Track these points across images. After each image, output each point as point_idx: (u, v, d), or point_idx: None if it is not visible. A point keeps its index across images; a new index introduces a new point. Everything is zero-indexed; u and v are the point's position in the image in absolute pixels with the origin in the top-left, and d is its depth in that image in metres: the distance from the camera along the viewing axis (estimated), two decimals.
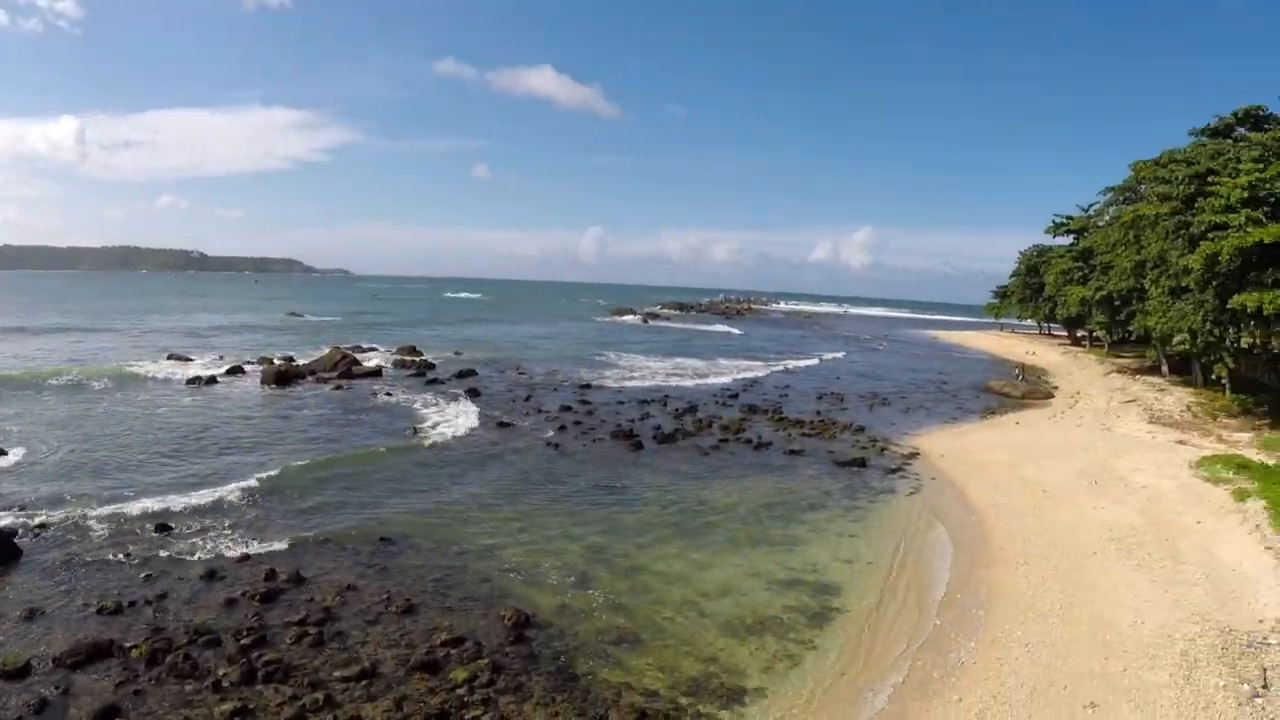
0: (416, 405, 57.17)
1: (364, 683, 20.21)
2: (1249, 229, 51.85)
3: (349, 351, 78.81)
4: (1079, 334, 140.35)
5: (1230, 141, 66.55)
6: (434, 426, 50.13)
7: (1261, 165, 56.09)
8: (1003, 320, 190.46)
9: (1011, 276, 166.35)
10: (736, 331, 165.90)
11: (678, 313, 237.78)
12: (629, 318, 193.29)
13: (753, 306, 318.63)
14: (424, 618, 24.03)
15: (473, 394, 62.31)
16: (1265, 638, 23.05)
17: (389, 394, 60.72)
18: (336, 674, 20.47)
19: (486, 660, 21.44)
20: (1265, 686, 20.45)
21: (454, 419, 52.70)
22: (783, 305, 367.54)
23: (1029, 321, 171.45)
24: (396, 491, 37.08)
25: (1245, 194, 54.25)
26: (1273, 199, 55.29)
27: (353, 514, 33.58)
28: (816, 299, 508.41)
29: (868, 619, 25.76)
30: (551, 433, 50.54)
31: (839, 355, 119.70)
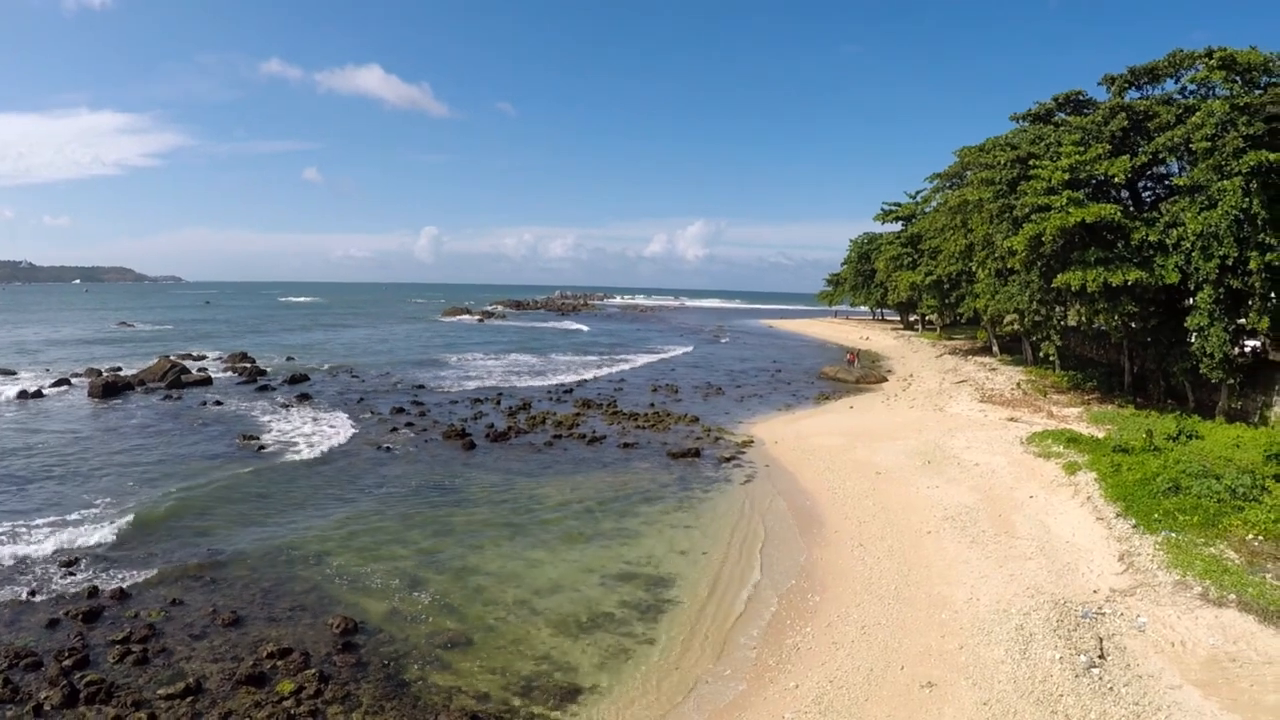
0: (245, 413, 54.56)
1: (189, 699, 19.15)
2: (1070, 210, 52.97)
3: (179, 360, 75.27)
4: (912, 318, 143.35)
5: (1051, 126, 67.92)
6: (263, 434, 47.78)
7: (1082, 148, 57.34)
8: (836, 308, 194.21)
9: (843, 264, 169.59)
10: (572, 327, 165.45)
11: (514, 310, 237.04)
12: (465, 317, 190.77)
13: (589, 302, 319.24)
14: (251, 629, 23.00)
15: (304, 400, 60.07)
16: (1100, 608, 22.97)
17: (219, 403, 57.77)
18: (160, 692, 19.38)
19: (314, 670, 20.49)
20: (1101, 656, 20.24)
21: (283, 425, 50.56)
22: (619, 300, 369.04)
23: (863, 308, 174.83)
24: (225, 500, 35.07)
25: (1066, 176, 55.38)
26: (1093, 180, 56.60)
27: (179, 525, 31.68)
28: (653, 293, 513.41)
29: (703, 610, 24.92)
30: (383, 435, 48.77)
31: (674, 347, 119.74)
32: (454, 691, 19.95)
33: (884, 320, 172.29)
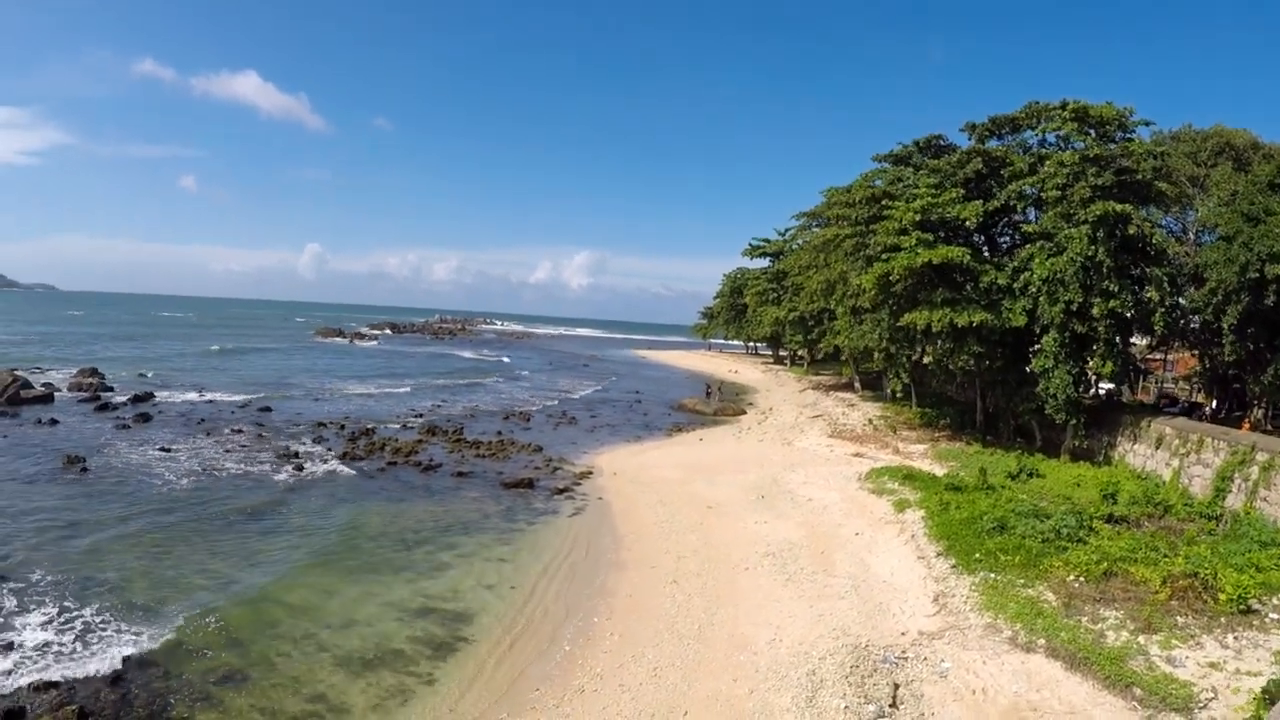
0: (79, 433, 52.08)
1: None
2: (919, 251, 53.21)
3: (24, 374, 71.45)
4: (782, 353, 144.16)
5: (910, 169, 68.43)
6: (90, 456, 45.24)
7: (936, 191, 57.65)
8: (711, 340, 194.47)
9: (716, 298, 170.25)
10: (443, 352, 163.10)
11: (390, 334, 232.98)
12: (337, 339, 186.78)
13: (466, 327, 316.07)
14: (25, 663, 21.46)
15: (143, 420, 57.63)
16: (904, 651, 22.27)
17: (54, 421, 55.15)
18: None
19: (75, 707, 18.96)
20: (894, 705, 19.47)
21: (114, 447, 48.33)
22: (498, 325, 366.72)
23: (737, 341, 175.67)
24: (27, 521, 33.21)
25: (918, 217, 55.63)
26: (945, 223, 56.86)
27: None
28: (534, 320, 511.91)
29: (494, 648, 23.80)
30: (213, 458, 46.88)
31: (539, 374, 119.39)
32: None
33: (757, 354, 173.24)
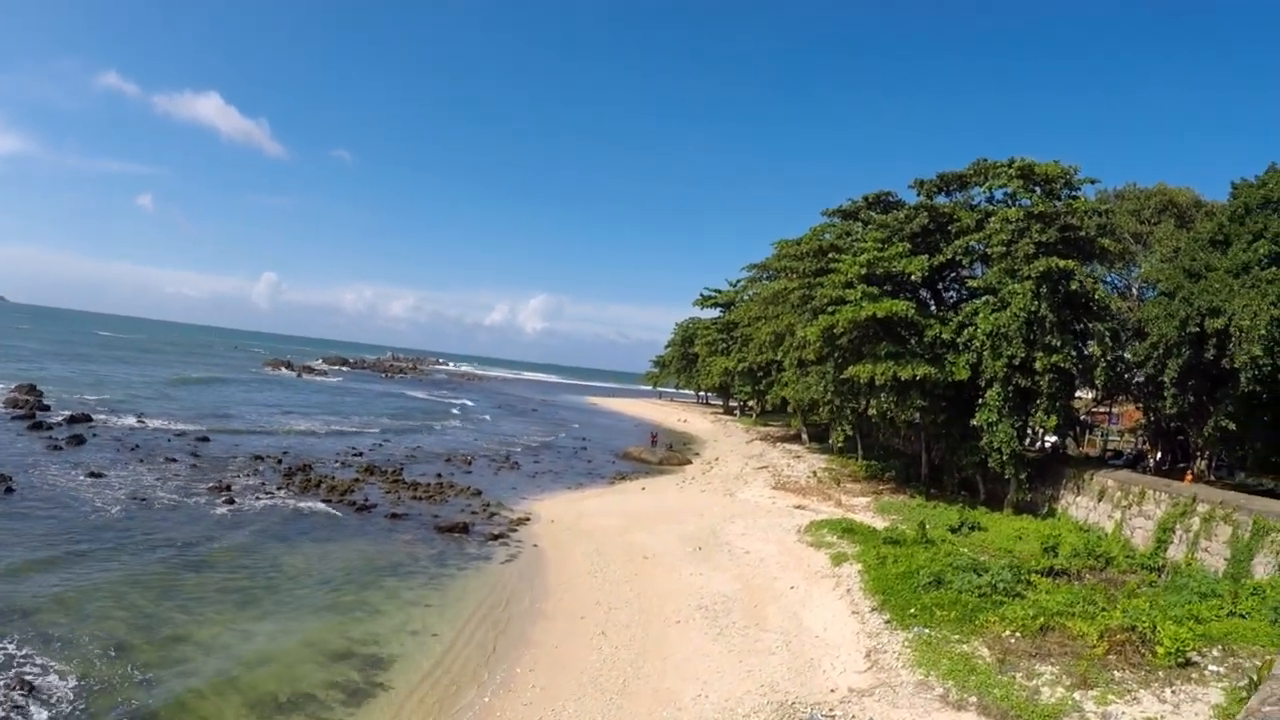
0: (8, 450, 50.91)
1: None
2: (863, 304, 53.68)
3: None
4: (732, 403, 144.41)
5: (859, 223, 69.06)
6: (15, 472, 44.16)
7: (882, 245, 58.10)
8: (662, 389, 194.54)
9: (667, 346, 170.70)
10: (393, 390, 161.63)
11: (339, 368, 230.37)
12: (285, 371, 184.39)
13: (418, 366, 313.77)
14: None
15: (76, 441, 56.28)
16: (831, 710, 21.74)
17: None
18: None
19: None
20: None
21: (41, 466, 47.34)
22: (450, 366, 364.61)
23: (688, 391, 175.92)
24: None
25: (863, 271, 56.05)
26: (891, 277, 57.19)
27: None
28: (488, 362, 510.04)
29: (410, 697, 23.09)
30: (143, 486, 45.80)
31: (487, 417, 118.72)
32: None
33: (708, 404, 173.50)
